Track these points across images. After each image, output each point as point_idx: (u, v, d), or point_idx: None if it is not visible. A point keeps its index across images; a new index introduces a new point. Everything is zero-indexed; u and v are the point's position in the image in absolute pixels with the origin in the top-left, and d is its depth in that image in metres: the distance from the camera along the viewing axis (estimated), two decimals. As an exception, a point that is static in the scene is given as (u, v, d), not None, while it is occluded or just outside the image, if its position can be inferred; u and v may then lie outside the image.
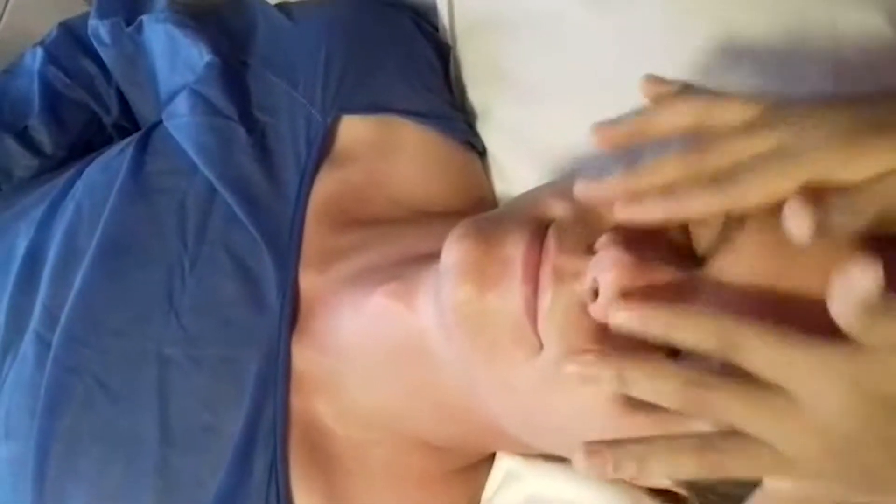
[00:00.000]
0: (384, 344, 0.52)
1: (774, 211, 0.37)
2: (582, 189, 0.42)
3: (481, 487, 0.58)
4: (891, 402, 0.34)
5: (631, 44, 0.60)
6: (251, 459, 0.52)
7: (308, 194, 0.59)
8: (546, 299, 0.42)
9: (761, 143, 0.38)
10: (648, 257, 0.40)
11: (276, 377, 0.54)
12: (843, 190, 0.36)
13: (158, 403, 0.54)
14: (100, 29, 0.69)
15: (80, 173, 0.64)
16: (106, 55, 0.71)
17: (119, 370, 0.55)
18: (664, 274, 0.40)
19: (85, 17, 0.72)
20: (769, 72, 0.56)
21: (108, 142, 0.73)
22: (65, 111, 0.73)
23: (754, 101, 0.40)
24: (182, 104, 0.63)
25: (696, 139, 0.40)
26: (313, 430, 0.54)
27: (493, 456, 0.58)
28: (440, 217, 0.60)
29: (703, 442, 0.37)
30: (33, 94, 0.72)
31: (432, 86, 0.66)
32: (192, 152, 0.60)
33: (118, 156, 0.63)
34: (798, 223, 0.35)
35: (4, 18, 0.82)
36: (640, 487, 0.52)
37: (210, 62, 0.63)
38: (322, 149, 0.61)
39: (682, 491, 0.48)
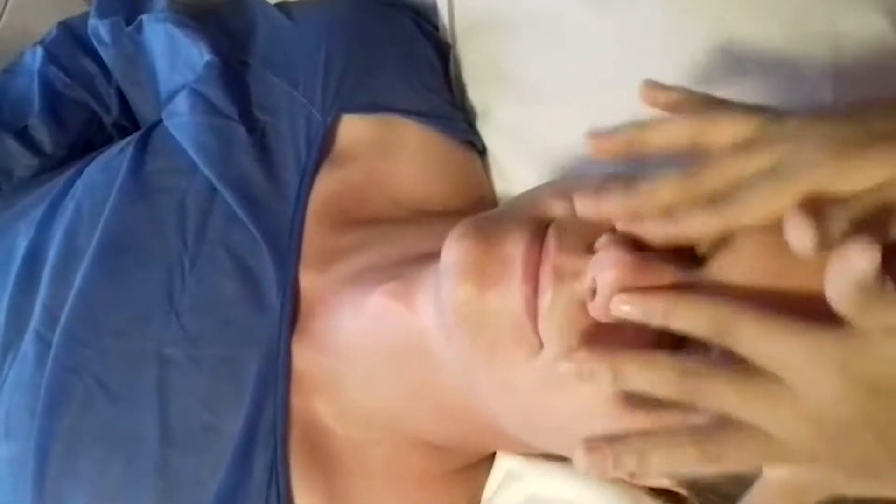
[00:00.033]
0: (384, 344, 0.52)
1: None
2: (581, 207, 0.42)
3: (481, 487, 0.58)
4: (882, 386, 0.34)
5: (631, 44, 0.60)
6: (251, 459, 0.52)
7: (308, 194, 0.59)
8: (546, 299, 0.42)
9: (757, 160, 0.38)
10: (648, 257, 0.40)
11: (276, 377, 0.54)
12: (842, 201, 0.36)
13: (158, 403, 0.54)
14: (100, 28, 0.69)
15: (79, 173, 0.64)
16: (106, 54, 0.71)
17: (119, 370, 0.55)
18: (664, 274, 0.40)
19: (85, 16, 0.72)
20: (768, 72, 0.56)
21: (108, 141, 0.73)
22: (65, 110, 0.73)
23: (748, 117, 0.40)
24: (182, 103, 0.63)
25: (693, 160, 0.40)
26: (313, 430, 0.54)
27: (493, 456, 0.58)
28: (440, 216, 0.60)
29: (702, 434, 0.37)
30: (33, 94, 0.72)
31: (432, 85, 0.66)
32: (192, 151, 0.60)
33: (118, 155, 0.63)
34: (800, 235, 0.35)
35: (4, 17, 0.82)
36: (641, 487, 0.52)
37: (210, 62, 0.63)
38: (322, 148, 0.61)
39: (682, 491, 0.48)
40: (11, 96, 0.73)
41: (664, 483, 0.49)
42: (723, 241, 0.40)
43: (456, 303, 0.44)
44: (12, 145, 0.71)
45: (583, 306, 0.41)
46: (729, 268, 0.39)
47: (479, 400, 0.48)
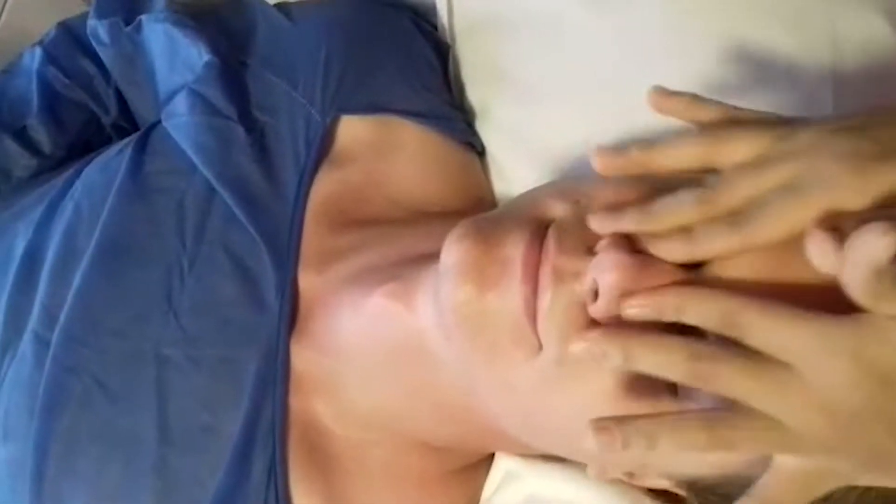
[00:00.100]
0: (383, 344, 0.52)
1: None
2: (597, 227, 0.42)
3: (480, 487, 0.58)
4: (892, 376, 0.34)
5: (630, 44, 0.60)
6: (250, 460, 0.52)
7: (307, 194, 0.59)
8: (546, 299, 0.42)
9: (772, 177, 0.38)
10: (649, 259, 0.40)
11: (274, 377, 0.54)
12: (859, 214, 0.36)
13: (157, 403, 0.54)
14: (98, 29, 0.69)
15: (78, 173, 0.64)
16: (105, 55, 0.71)
17: (118, 370, 0.55)
18: (665, 275, 0.40)
19: (84, 16, 0.72)
20: (768, 73, 0.56)
21: (106, 142, 0.73)
22: (63, 111, 0.73)
23: (760, 134, 0.40)
24: (181, 104, 0.63)
25: (708, 180, 0.40)
26: (312, 431, 0.54)
27: (492, 456, 0.58)
28: (439, 217, 0.60)
29: (713, 418, 0.37)
30: (32, 94, 0.72)
31: (431, 85, 0.66)
32: (190, 152, 0.60)
33: (117, 156, 0.63)
34: (821, 253, 0.35)
35: (3, 18, 0.82)
36: (640, 488, 0.52)
37: (209, 62, 0.63)
38: (321, 149, 0.61)
39: (681, 491, 0.48)
40: (10, 97, 0.73)
41: (663, 484, 0.49)
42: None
43: (455, 303, 0.44)
44: (11, 146, 0.71)
45: (583, 307, 0.41)
46: (730, 267, 0.39)
47: (478, 400, 0.48)
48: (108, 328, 0.56)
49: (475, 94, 0.67)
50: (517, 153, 0.65)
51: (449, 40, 0.69)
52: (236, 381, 0.54)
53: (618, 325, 0.40)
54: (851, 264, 0.34)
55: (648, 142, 0.42)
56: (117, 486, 0.53)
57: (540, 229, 0.44)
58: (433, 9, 0.70)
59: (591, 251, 0.42)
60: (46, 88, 0.72)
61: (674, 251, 0.39)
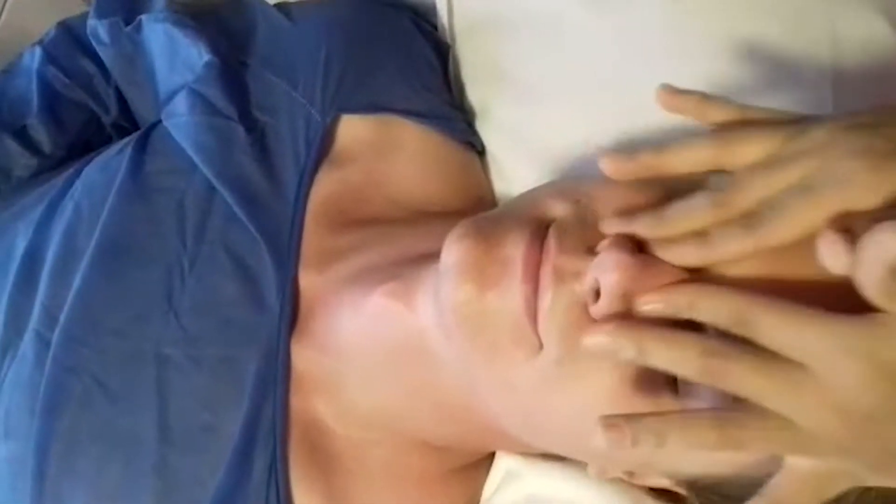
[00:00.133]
0: (384, 344, 0.52)
1: None
2: (609, 229, 0.42)
3: (481, 487, 0.58)
4: None
5: (630, 44, 0.60)
6: (251, 459, 0.52)
7: (307, 194, 0.59)
8: (546, 299, 0.42)
9: (785, 177, 0.38)
10: (650, 259, 0.40)
11: (275, 377, 0.54)
12: (870, 213, 0.36)
13: (158, 403, 0.54)
14: (98, 28, 0.69)
15: (78, 173, 0.64)
16: (105, 55, 0.71)
17: (118, 370, 0.55)
18: (666, 274, 0.40)
19: (84, 16, 0.72)
20: (768, 72, 0.56)
21: (107, 141, 0.73)
22: (63, 111, 0.73)
23: (771, 134, 0.40)
24: (181, 104, 0.63)
25: (712, 181, 0.40)
26: (313, 430, 0.54)
27: (492, 455, 0.58)
28: (439, 217, 0.60)
29: (723, 417, 0.37)
30: (32, 94, 0.72)
31: (431, 85, 0.66)
32: (191, 151, 0.60)
33: (117, 155, 0.63)
34: (834, 255, 0.35)
35: (3, 18, 0.82)
36: (641, 487, 0.52)
37: (209, 62, 0.63)
38: (321, 149, 0.61)
39: (682, 490, 0.48)
40: (10, 96, 0.73)
41: (664, 483, 0.49)
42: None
43: (456, 303, 0.44)
44: (11, 145, 0.71)
45: (583, 307, 0.41)
46: (732, 266, 0.39)
47: (478, 400, 0.48)
48: (109, 328, 0.56)
49: (475, 93, 0.67)
50: (517, 153, 0.65)
51: (449, 40, 0.69)
52: (237, 381, 0.54)
53: (629, 320, 0.40)
54: (865, 264, 0.34)
55: (658, 145, 0.42)
56: (117, 486, 0.53)
57: (540, 229, 0.44)
58: (433, 9, 0.70)
59: (591, 251, 0.42)
60: (46, 88, 0.72)
61: (687, 255, 0.39)
